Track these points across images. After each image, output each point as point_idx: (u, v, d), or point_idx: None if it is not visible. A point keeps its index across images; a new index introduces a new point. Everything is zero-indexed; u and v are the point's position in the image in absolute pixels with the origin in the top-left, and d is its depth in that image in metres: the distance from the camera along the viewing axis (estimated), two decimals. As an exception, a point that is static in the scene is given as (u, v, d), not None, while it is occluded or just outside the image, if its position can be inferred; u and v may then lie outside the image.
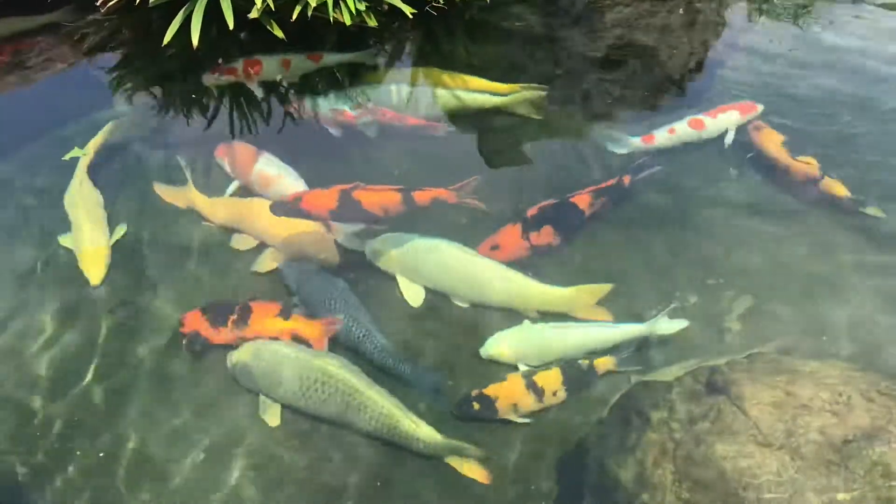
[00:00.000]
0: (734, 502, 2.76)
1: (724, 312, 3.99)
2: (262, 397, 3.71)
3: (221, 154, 4.73)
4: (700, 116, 4.94)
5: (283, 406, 3.69)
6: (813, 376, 3.08)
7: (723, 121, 4.95)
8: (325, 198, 4.11)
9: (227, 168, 4.68)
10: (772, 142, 4.77)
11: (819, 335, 3.88)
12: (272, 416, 3.67)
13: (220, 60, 4.99)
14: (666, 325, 3.86)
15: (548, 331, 3.93)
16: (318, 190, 4.29)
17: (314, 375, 3.62)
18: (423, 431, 3.51)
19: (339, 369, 3.64)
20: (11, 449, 3.55)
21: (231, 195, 4.56)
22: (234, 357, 3.78)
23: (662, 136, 4.86)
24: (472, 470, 3.49)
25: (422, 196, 4.08)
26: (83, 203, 4.45)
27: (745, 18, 6.13)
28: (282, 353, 3.74)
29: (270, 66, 5.07)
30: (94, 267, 4.18)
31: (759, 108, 5.05)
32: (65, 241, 4.31)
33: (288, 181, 4.52)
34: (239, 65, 4.99)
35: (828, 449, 2.83)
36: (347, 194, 4.08)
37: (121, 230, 4.37)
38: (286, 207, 4.08)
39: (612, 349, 3.86)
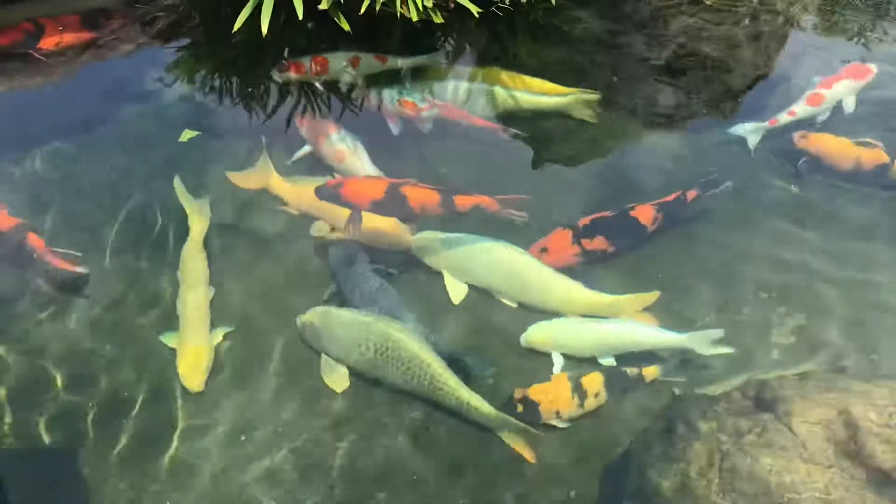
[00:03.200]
0: (779, 517, 2.77)
1: (775, 327, 3.98)
2: (324, 358, 3.85)
3: (301, 123, 4.93)
4: (817, 91, 5.03)
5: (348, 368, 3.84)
6: (864, 396, 3.04)
7: (839, 90, 5.05)
8: (368, 187, 4.17)
9: (304, 135, 4.86)
10: (826, 142, 4.76)
11: (871, 353, 3.85)
12: (338, 380, 3.81)
13: (287, 57, 5.07)
14: (706, 340, 3.82)
15: (588, 324, 3.96)
16: (364, 179, 4.39)
17: (376, 340, 3.74)
18: (476, 401, 3.61)
19: (401, 335, 3.74)
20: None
21: (298, 159, 4.77)
22: (303, 318, 3.94)
23: (784, 118, 4.95)
24: (522, 447, 3.57)
25: (463, 201, 4.13)
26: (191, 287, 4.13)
27: (812, 32, 6.05)
28: (347, 316, 3.87)
29: (339, 63, 5.13)
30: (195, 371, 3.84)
31: (873, 69, 5.17)
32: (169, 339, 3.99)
33: (358, 160, 4.66)
34: (307, 61, 5.06)
35: (876, 470, 2.81)
36: (394, 188, 4.12)
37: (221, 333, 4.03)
38: (328, 191, 4.15)
39: (649, 350, 3.88)
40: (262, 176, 4.65)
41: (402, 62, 5.27)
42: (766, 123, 4.93)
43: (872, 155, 4.64)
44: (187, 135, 4.90)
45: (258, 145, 4.74)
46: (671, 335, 3.87)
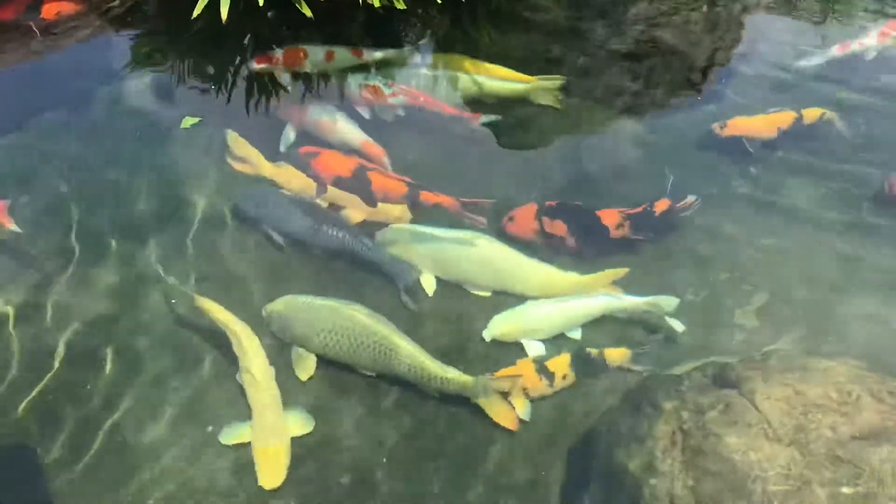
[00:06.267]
0: (742, 493, 2.82)
1: (736, 308, 4.05)
2: (294, 349, 3.83)
3: (278, 106, 4.95)
4: (888, 29, 5.44)
5: (318, 356, 3.82)
6: (824, 374, 3.12)
7: None
8: (338, 163, 4.24)
9: (285, 117, 4.83)
10: (744, 124, 4.88)
11: (829, 333, 3.93)
12: (306, 369, 3.78)
13: (261, 49, 5.04)
14: (663, 306, 3.95)
15: (547, 305, 4.00)
16: (338, 154, 4.41)
17: (345, 324, 3.74)
18: (450, 373, 3.63)
19: (367, 318, 3.77)
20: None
21: (288, 144, 4.69)
22: (269, 309, 3.90)
23: (854, 46, 5.37)
24: (501, 414, 3.60)
25: (427, 197, 4.17)
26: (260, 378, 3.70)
27: (769, 17, 6.13)
28: (313, 303, 3.87)
29: (315, 56, 5.09)
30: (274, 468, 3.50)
31: None
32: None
33: (345, 126, 4.69)
34: (280, 54, 5.02)
35: (836, 445, 2.88)
36: (362, 170, 4.18)
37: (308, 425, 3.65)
38: (300, 159, 4.24)
39: (612, 318, 3.99)
40: (253, 162, 4.59)
41: (376, 55, 5.23)
42: (835, 50, 5.35)
43: (786, 117, 4.87)
44: (188, 121, 4.84)
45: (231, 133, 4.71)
46: (630, 299, 3.98)
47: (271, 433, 3.55)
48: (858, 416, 2.95)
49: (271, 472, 3.47)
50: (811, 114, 4.89)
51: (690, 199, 4.36)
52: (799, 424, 2.95)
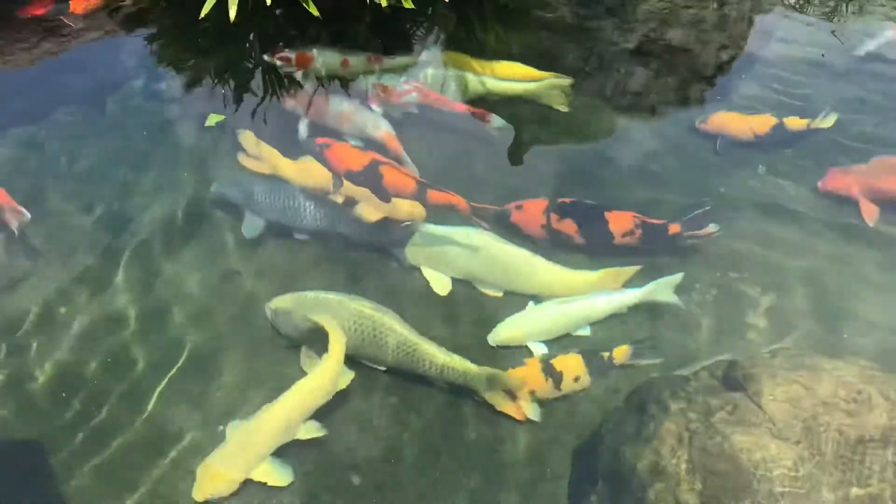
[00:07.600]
0: (748, 494, 2.81)
1: (746, 307, 4.02)
2: (303, 349, 3.81)
3: (291, 102, 4.89)
4: None
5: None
6: (833, 373, 3.10)
7: None
8: (351, 157, 4.25)
9: (300, 111, 4.80)
10: (723, 119, 4.91)
11: (841, 333, 3.91)
12: (313, 364, 3.74)
13: (278, 49, 5.02)
14: (667, 287, 3.95)
15: (550, 307, 3.98)
16: (350, 147, 4.42)
17: (350, 317, 3.74)
18: (456, 362, 3.64)
19: (374, 311, 3.78)
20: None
21: (303, 135, 4.67)
22: (273, 306, 3.90)
23: None
24: (509, 406, 3.59)
25: (437, 196, 4.18)
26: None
27: (779, 16, 6.09)
28: (318, 299, 3.86)
29: (329, 62, 5.09)
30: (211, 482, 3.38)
31: None
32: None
33: (362, 116, 4.68)
34: (294, 56, 5.00)
35: (844, 446, 2.86)
36: (375, 165, 4.19)
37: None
38: (314, 148, 4.27)
39: (615, 315, 3.96)
40: (268, 159, 4.53)
41: (392, 63, 5.17)
42: (888, 32, 5.54)
43: (763, 120, 4.86)
44: (213, 119, 4.85)
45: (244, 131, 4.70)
46: (631, 292, 3.96)
47: (244, 454, 3.40)
48: (867, 416, 2.93)
49: (206, 485, 3.35)
50: (794, 122, 4.86)
51: (711, 228, 4.20)
52: (807, 425, 2.93)
